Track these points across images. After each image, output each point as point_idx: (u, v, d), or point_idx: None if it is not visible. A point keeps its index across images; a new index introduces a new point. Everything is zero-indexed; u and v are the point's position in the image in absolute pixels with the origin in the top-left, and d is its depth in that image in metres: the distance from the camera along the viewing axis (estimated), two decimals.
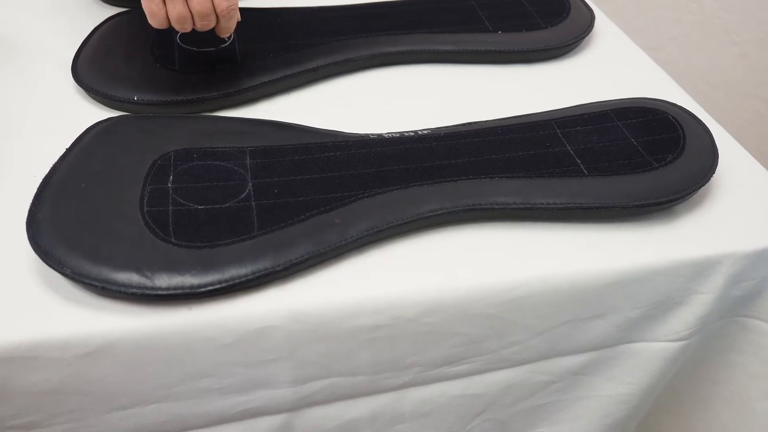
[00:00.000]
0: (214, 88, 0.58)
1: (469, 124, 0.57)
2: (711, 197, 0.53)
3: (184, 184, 0.48)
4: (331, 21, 0.67)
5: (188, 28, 0.54)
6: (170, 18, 0.52)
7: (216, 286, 0.42)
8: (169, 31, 0.63)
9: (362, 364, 0.47)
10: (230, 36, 0.62)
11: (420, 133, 0.55)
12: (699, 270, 0.49)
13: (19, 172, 0.50)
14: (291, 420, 0.48)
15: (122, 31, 0.65)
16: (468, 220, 0.50)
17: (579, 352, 0.51)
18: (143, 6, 0.52)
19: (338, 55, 0.63)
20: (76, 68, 0.60)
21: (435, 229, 0.49)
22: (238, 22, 0.56)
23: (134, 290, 0.41)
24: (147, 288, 0.41)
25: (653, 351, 0.52)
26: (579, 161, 0.52)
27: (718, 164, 0.52)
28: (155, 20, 0.53)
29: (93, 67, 0.60)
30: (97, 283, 0.41)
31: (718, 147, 0.54)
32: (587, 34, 0.69)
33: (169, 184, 0.48)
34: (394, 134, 0.54)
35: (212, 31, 0.55)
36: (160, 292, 0.42)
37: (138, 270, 0.42)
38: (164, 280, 0.42)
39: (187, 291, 0.42)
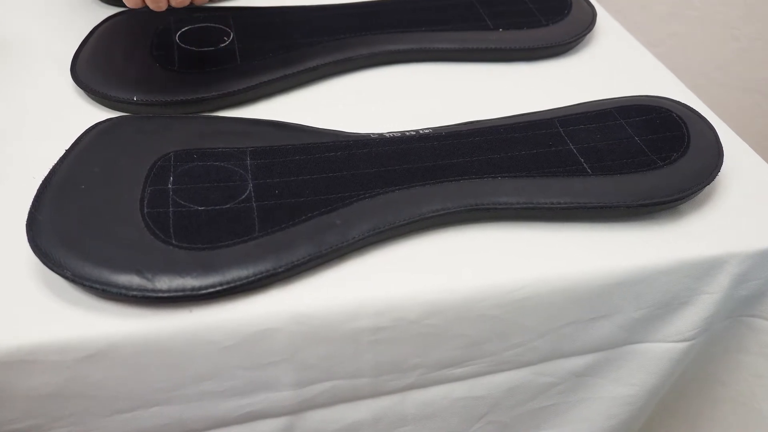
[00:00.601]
0: (213, 88, 0.58)
1: (471, 123, 0.56)
2: (716, 196, 0.53)
3: (185, 185, 0.48)
4: (331, 20, 0.67)
5: (163, 7, 0.53)
6: None
7: (217, 288, 0.42)
8: (169, 31, 0.63)
9: (364, 366, 0.46)
10: (229, 36, 0.62)
11: (421, 132, 0.54)
12: (704, 270, 0.49)
13: (19, 173, 0.50)
14: (293, 423, 0.48)
15: (121, 31, 0.64)
16: (470, 221, 0.49)
17: (583, 354, 0.51)
18: None
19: (338, 54, 0.63)
20: (75, 69, 0.59)
21: (437, 229, 0.49)
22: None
23: (135, 292, 0.41)
24: (148, 290, 0.41)
25: (658, 352, 0.52)
26: (582, 160, 0.52)
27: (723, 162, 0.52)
28: (130, 0, 0.52)
29: (92, 67, 0.59)
30: (97, 285, 0.41)
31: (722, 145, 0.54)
32: (589, 32, 0.69)
33: (170, 185, 0.48)
34: (395, 134, 0.54)
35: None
36: (160, 295, 0.41)
37: (138, 272, 0.42)
38: (165, 282, 0.42)
39: (188, 293, 0.42)
